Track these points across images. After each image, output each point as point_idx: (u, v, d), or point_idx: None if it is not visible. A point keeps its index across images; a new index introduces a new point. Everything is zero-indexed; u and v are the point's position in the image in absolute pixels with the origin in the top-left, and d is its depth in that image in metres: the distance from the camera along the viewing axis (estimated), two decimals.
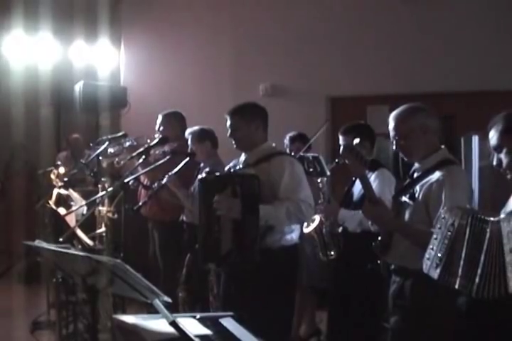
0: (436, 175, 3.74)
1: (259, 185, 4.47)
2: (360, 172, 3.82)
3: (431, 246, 2.91)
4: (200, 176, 5.00)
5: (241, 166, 4.75)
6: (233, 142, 4.76)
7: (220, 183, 4.58)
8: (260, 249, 4.42)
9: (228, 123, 4.74)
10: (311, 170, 5.14)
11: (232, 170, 4.84)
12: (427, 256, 2.92)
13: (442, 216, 2.89)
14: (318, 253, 5.94)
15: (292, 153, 6.37)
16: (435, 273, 2.86)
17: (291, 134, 6.63)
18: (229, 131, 4.73)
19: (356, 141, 5.27)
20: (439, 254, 2.85)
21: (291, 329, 4.90)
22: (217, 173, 4.87)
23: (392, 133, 3.90)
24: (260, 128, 4.73)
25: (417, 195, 3.77)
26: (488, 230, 2.67)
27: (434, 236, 2.90)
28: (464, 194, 3.74)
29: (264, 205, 4.43)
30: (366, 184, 3.80)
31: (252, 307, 4.19)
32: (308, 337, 6.45)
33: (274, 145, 4.83)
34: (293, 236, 4.66)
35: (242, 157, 4.82)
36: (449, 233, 2.83)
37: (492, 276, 2.65)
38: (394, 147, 3.94)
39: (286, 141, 6.60)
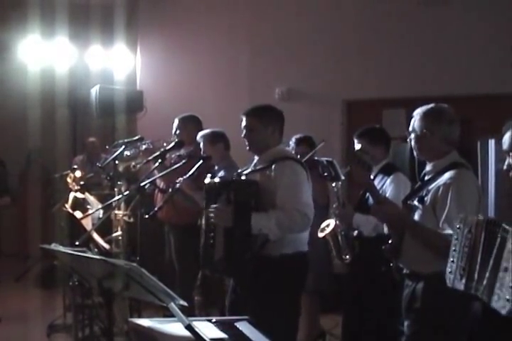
0: (445, 178, 3.76)
1: (256, 192, 4.40)
2: (363, 178, 3.84)
3: (451, 259, 2.87)
4: (206, 181, 4.94)
5: (249, 170, 4.69)
6: (246, 143, 4.67)
7: (218, 189, 4.53)
8: (261, 257, 4.35)
9: (244, 123, 4.65)
10: (325, 174, 5.13)
11: (238, 174, 4.75)
12: (448, 270, 2.88)
13: (457, 226, 2.88)
14: (326, 257, 5.96)
15: (298, 157, 6.38)
16: (461, 285, 2.81)
17: (297, 136, 6.52)
18: (244, 131, 4.65)
19: (358, 147, 5.26)
20: (462, 264, 2.81)
21: (296, 334, 4.87)
22: (219, 179, 4.80)
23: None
24: (276, 132, 4.65)
25: (426, 198, 3.78)
26: (499, 235, 2.64)
27: (453, 248, 2.87)
28: (471, 197, 3.75)
29: (258, 214, 4.34)
30: (371, 187, 3.82)
31: (256, 312, 4.09)
32: (314, 339, 6.45)
33: (286, 148, 4.75)
34: (296, 243, 4.57)
35: (254, 160, 4.76)
36: (468, 241, 2.81)
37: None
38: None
39: (292, 143, 6.49)
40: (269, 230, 4.34)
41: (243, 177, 4.65)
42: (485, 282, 2.66)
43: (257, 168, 4.64)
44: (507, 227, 2.61)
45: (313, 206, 4.57)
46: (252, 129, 4.62)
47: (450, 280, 2.88)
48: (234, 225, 4.34)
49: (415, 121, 3.93)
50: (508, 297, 2.49)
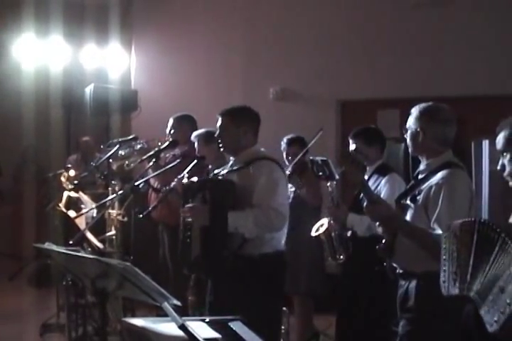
0: (437, 177, 3.77)
1: (233, 191, 4.43)
2: (357, 178, 3.84)
3: (443, 268, 2.86)
4: (184, 181, 4.95)
5: (226, 171, 4.72)
6: (219, 143, 4.74)
7: (195, 189, 4.56)
8: (240, 257, 4.38)
9: (218, 123, 4.72)
10: (320, 173, 5.13)
11: (216, 174, 4.78)
12: (442, 279, 2.86)
13: (444, 235, 2.89)
14: (319, 258, 5.97)
15: (290, 157, 6.37)
16: (455, 289, 2.79)
17: (289, 137, 6.53)
18: (217, 131, 4.72)
19: (353, 147, 5.27)
20: (453, 269, 2.81)
21: (279, 334, 4.86)
22: (196, 178, 4.80)
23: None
24: (249, 133, 4.68)
25: (418, 198, 3.79)
26: (495, 240, 2.63)
27: (443, 257, 2.86)
28: (463, 198, 3.76)
29: (234, 212, 4.38)
30: (364, 187, 3.83)
31: (236, 312, 4.05)
32: (308, 340, 6.45)
33: (262, 149, 4.78)
34: (275, 242, 4.59)
35: (230, 161, 4.79)
36: (454, 246, 2.81)
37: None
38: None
39: (284, 143, 6.50)
40: (245, 228, 4.38)
41: (219, 177, 4.68)
42: (477, 283, 2.65)
43: (234, 168, 4.67)
44: (507, 240, 2.59)
45: (288, 206, 4.64)
46: (224, 129, 4.68)
47: (445, 289, 2.87)
48: (210, 224, 4.37)
49: (411, 119, 3.94)
50: (496, 318, 2.48)
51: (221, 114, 4.73)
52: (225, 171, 4.73)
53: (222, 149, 4.77)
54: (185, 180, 4.89)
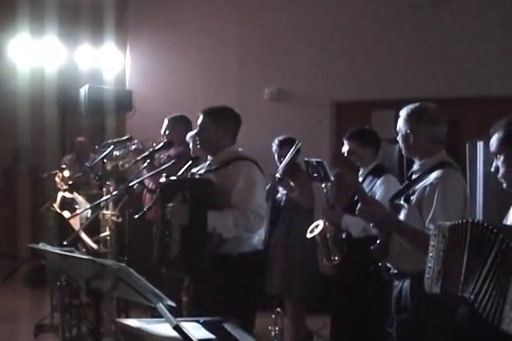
0: (431, 177, 3.78)
1: (211, 191, 4.45)
2: (351, 180, 3.85)
3: (429, 265, 2.88)
4: (161, 179, 4.94)
5: (204, 170, 4.74)
6: (197, 142, 4.78)
7: (173, 188, 4.57)
8: (218, 256, 4.39)
9: (198, 121, 4.76)
10: (315, 175, 5.13)
11: (194, 174, 4.79)
12: (426, 276, 2.89)
13: (433, 233, 2.90)
14: (314, 261, 5.97)
15: (282, 159, 6.35)
16: (437, 288, 2.83)
17: (280, 138, 6.48)
18: (197, 129, 4.77)
19: (347, 148, 5.28)
20: (438, 268, 2.83)
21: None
22: (175, 178, 4.80)
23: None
24: (228, 134, 4.72)
25: (412, 198, 3.79)
26: (492, 240, 2.63)
27: (430, 254, 2.89)
28: (457, 198, 3.77)
29: (214, 212, 4.40)
30: (358, 188, 3.84)
31: (214, 312, 3.99)
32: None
33: (240, 149, 4.80)
34: (253, 242, 4.61)
35: (208, 161, 4.81)
36: (442, 245, 2.82)
37: (491, 295, 2.62)
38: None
39: (275, 145, 6.47)
40: (224, 229, 4.40)
41: (198, 177, 4.70)
42: (474, 285, 2.65)
43: (212, 168, 4.69)
44: (507, 240, 2.59)
45: (265, 207, 4.70)
46: (204, 128, 4.72)
47: (428, 287, 2.89)
48: (190, 223, 4.38)
49: (400, 121, 3.95)
50: None
51: (202, 113, 4.75)
52: (202, 170, 4.75)
53: (199, 147, 4.82)
54: (162, 179, 4.86)
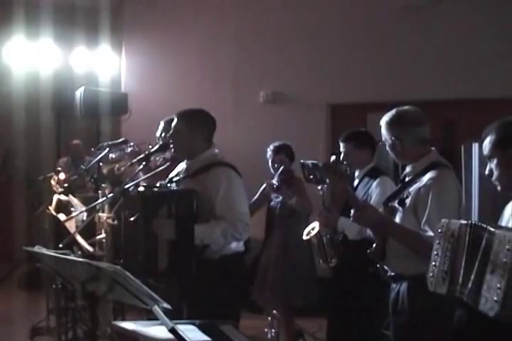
0: (425, 179, 3.78)
1: (196, 202, 4.34)
2: (341, 188, 3.85)
3: (433, 263, 2.86)
4: (140, 188, 4.66)
5: (181, 176, 4.63)
6: (171, 145, 4.65)
7: (157, 200, 4.40)
8: (200, 261, 4.32)
9: (173, 124, 4.64)
10: (310, 177, 5.13)
11: (172, 180, 4.67)
12: (430, 274, 2.87)
13: (439, 230, 2.89)
14: (312, 266, 5.97)
15: (276, 165, 6.33)
16: (444, 289, 2.80)
17: (276, 144, 6.41)
18: (171, 131, 4.64)
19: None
20: (444, 268, 2.81)
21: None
22: (156, 188, 4.62)
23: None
24: (203, 138, 4.59)
25: (406, 201, 3.79)
26: (484, 238, 2.65)
27: (435, 252, 2.87)
28: (452, 198, 3.78)
29: (200, 224, 4.31)
30: (349, 196, 3.85)
31: (198, 314, 3.86)
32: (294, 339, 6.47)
33: (216, 151, 4.67)
34: (234, 245, 4.54)
35: (184, 165, 4.71)
36: (450, 245, 2.81)
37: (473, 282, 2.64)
38: None
39: (270, 151, 6.40)
40: (212, 241, 4.35)
41: (182, 187, 4.56)
42: (470, 285, 2.66)
43: (190, 173, 4.59)
44: (492, 230, 2.61)
45: (248, 212, 4.58)
46: (178, 131, 4.60)
47: (432, 285, 2.88)
48: (177, 238, 4.28)
49: (383, 131, 3.98)
50: (495, 298, 2.49)
51: (177, 116, 4.64)
52: (178, 177, 4.64)
53: (173, 151, 4.70)
54: (141, 188, 4.59)
